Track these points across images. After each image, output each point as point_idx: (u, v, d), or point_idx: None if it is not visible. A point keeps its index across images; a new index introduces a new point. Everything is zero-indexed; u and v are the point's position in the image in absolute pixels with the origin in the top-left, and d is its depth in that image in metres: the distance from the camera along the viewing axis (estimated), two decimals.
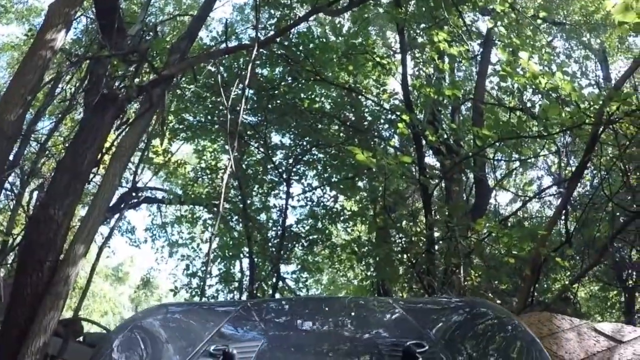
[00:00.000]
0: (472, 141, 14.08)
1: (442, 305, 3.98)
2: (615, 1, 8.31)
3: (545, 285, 15.28)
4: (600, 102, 11.11)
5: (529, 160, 16.37)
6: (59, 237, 9.44)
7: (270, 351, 3.02)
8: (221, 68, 15.98)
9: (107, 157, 11.51)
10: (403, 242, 13.63)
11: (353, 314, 4.06)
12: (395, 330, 3.54)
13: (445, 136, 14.90)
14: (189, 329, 3.38)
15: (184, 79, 16.14)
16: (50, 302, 8.81)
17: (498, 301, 11.94)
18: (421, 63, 16.63)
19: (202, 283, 17.64)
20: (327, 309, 4.22)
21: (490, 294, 12.52)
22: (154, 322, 3.36)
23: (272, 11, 16.24)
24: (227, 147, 17.23)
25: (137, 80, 12.45)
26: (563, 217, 13.27)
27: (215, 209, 17.60)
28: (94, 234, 10.60)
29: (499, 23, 14.06)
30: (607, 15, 18.00)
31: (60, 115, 17.92)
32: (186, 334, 3.26)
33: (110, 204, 17.26)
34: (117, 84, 11.50)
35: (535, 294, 12.45)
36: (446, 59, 15.16)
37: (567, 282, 13.80)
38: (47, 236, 9.26)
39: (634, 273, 15.11)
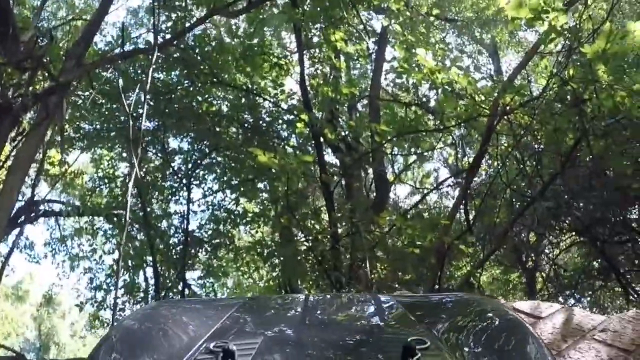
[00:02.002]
0: (370, 137, 14.26)
1: (442, 301, 3.98)
2: None
3: (450, 273, 15.57)
4: (495, 95, 11.42)
5: (426, 154, 16.64)
6: None
7: (270, 348, 2.96)
8: (117, 73, 15.73)
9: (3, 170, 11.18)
10: (308, 241, 13.64)
11: (353, 310, 4.00)
12: (395, 326, 3.50)
13: (344, 134, 15.03)
14: (189, 325, 3.29)
15: (79, 85, 15.78)
16: None
17: (405, 291, 12.10)
18: (318, 62, 16.71)
19: (113, 298, 17.35)
20: (327, 305, 4.18)
21: (397, 285, 12.67)
22: (153, 319, 3.30)
23: (169, 14, 16.07)
24: (124, 154, 17.02)
25: (32, 88, 12.08)
26: (463, 207, 13.58)
27: (115, 218, 17.37)
28: None
29: (393, 21, 14.27)
30: (498, 11, 18.50)
31: None
32: (185, 331, 3.19)
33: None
34: (11, 93, 11.16)
35: (442, 281, 12.68)
36: (342, 58, 15.29)
37: (470, 268, 14.09)
38: None
39: (533, 255, 15.57)
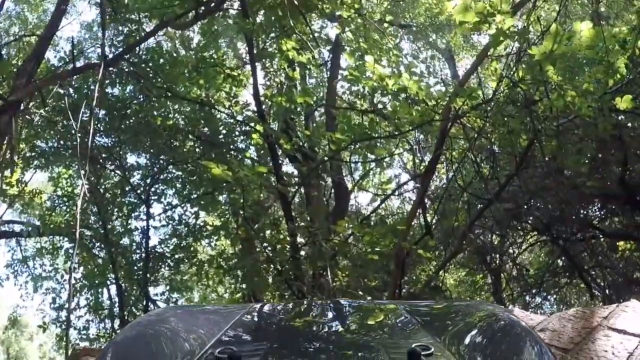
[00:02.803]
0: (327, 146, 14.26)
1: (447, 308, 4.01)
2: (455, 2, 8.61)
3: (414, 277, 15.64)
4: (447, 99, 11.48)
5: (384, 160, 16.67)
6: None
7: (275, 354, 3.00)
8: (71, 90, 15.60)
9: None
10: (268, 252, 13.60)
11: (358, 317, 4.02)
12: (400, 333, 3.49)
13: (300, 143, 15.00)
14: (194, 331, 3.29)
15: (32, 103, 15.61)
16: None
17: (368, 297, 12.10)
18: (272, 72, 16.69)
19: (66, 314, 17.13)
20: (332, 312, 4.19)
21: (360, 292, 12.66)
22: (158, 324, 3.32)
23: (120, 28, 15.95)
24: (82, 172, 16.89)
25: None
26: (421, 211, 13.64)
27: (74, 237, 17.21)
28: None
29: (346, 29, 14.30)
30: (450, 16, 18.61)
31: None
32: (191, 337, 3.19)
33: None
34: None
35: (402, 286, 12.71)
36: (297, 67, 15.29)
37: (431, 272, 14.17)
38: None
39: (497, 256, 15.67)
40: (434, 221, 14.25)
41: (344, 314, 4.10)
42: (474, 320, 3.35)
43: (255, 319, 3.81)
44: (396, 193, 18.95)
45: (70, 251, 18.31)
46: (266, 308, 4.39)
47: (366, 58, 11.32)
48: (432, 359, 2.67)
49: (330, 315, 4.06)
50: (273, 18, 14.34)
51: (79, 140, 11.31)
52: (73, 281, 17.40)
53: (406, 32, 22.21)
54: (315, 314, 4.05)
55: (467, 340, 3.07)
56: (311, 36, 15.05)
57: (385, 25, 18.90)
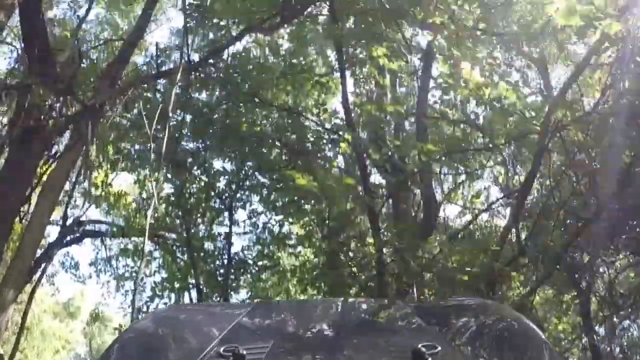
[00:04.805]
0: (417, 156, 13.84)
1: (454, 308, 4.06)
2: (557, 6, 8.09)
3: (500, 294, 15.12)
4: (546, 110, 10.94)
5: (476, 172, 16.15)
6: None
7: (279, 353, 3.01)
8: (157, 95, 15.55)
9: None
10: (353, 267, 13.28)
11: (363, 315, 4.08)
12: (406, 332, 3.52)
13: (390, 153, 14.59)
14: (199, 329, 3.39)
15: (118, 106, 15.65)
16: None
17: None
18: (361, 80, 16.33)
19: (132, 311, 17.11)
20: (337, 311, 4.25)
21: None
22: (164, 322, 3.45)
23: (207, 33, 15.83)
24: (169, 175, 16.81)
25: (65, 110, 11.86)
26: (514, 229, 13.10)
27: (156, 238, 17.19)
28: (25, 277, 10.09)
29: (438, 36, 13.86)
30: (546, 23, 17.94)
31: None
32: (196, 335, 3.27)
33: (52, 240, 16.87)
34: (44, 115, 10.95)
35: None
36: (387, 75, 14.90)
37: (521, 291, 13.64)
38: None
39: (587, 276, 15.00)
40: (525, 238, 13.64)
41: (350, 313, 4.21)
42: (480, 319, 3.42)
43: (260, 317, 3.81)
44: (488, 209, 18.29)
45: (149, 255, 18.38)
46: (271, 307, 4.69)
47: (462, 65, 10.84)
48: (437, 358, 2.67)
49: (335, 314, 4.12)
50: (363, 25, 13.97)
51: (151, 145, 11.09)
52: (153, 284, 17.44)
53: (499, 40, 21.60)
54: (320, 313, 4.09)
55: (473, 339, 3.16)
56: (403, 43, 14.60)
57: (478, 33, 18.35)
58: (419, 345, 2.66)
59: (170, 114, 12.98)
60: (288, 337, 3.43)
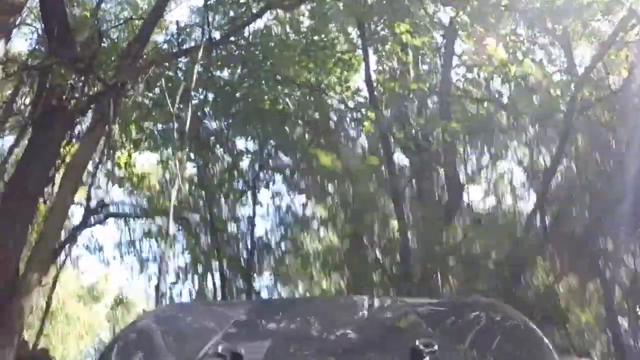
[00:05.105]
0: (440, 135, 13.72)
1: (451, 305, 4.06)
2: None
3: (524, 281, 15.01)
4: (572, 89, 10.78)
5: (500, 153, 15.99)
6: (10, 267, 8.87)
7: (278, 351, 3.02)
8: (179, 73, 15.50)
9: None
10: (377, 251, 13.24)
11: (361, 313, 4.02)
12: (403, 330, 3.50)
13: (413, 132, 14.48)
14: (198, 328, 3.42)
15: (140, 85, 15.61)
16: (3, 338, 8.29)
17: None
18: (384, 57, 16.18)
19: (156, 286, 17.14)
20: (335, 308, 4.26)
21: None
22: (162, 321, 3.42)
23: (226, 11, 15.73)
24: (192, 155, 16.78)
25: (87, 89, 11.82)
26: (539, 213, 12.94)
27: (180, 220, 17.16)
28: (50, 260, 10.10)
29: (461, 12, 13.71)
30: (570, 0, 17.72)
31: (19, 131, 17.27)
32: (194, 334, 3.31)
33: (76, 222, 16.93)
34: (65, 95, 10.91)
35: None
36: (409, 52, 14.76)
37: (545, 279, 13.53)
38: None
39: (611, 264, 14.79)
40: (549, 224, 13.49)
41: (348, 310, 4.14)
42: (478, 317, 3.39)
43: (258, 316, 3.82)
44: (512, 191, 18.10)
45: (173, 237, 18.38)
46: (269, 305, 4.84)
47: (487, 41, 10.69)
48: (435, 356, 2.67)
49: (333, 312, 4.06)
50: (384, 2, 13.83)
51: (174, 124, 11.09)
52: (176, 268, 17.46)
53: (522, 16, 21.33)
54: (318, 311, 4.04)
55: (471, 337, 3.09)
56: (427, 19, 14.44)
57: (501, 9, 18.13)
58: (417, 343, 2.69)
59: (192, 92, 12.90)
60: (286, 335, 3.46)
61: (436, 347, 2.68)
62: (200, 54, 11.87)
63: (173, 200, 10.41)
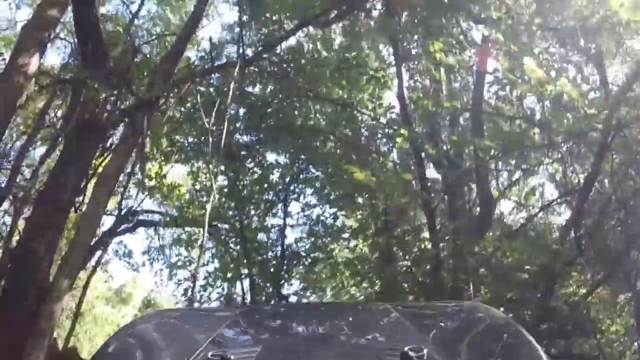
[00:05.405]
0: (473, 152, 13.70)
1: (440, 310, 4.14)
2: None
3: (555, 293, 14.95)
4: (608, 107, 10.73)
5: (532, 169, 15.94)
6: (42, 272, 8.99)
7: (267, 356, 3.04)
8: (211, 89, 15.62)
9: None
10: (408, 262, 13.22)
11: (350, 319, 4.07)
12: (392, 335, 3.56)
13: (446, 149, 14.48)
14: (187, 334, 3.44)
15: (172, 100, 15.80)
16: (34, 341, 8.38)
17: (510, 314, 11.54)
18: (417, 74, 16.20)
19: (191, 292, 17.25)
20: (324, 314, 4.30)
21: (501, 309, 12.11)
22: (151, 327, 3.49)
23: (261, 28, 15.85)
24: (222, 167, 16.91)
25: (119, 104, 11.99)
26: (574, 229, 12.90)
27: (210, 228, 17.29)
28: (80, 266, 10.22)
29: (494, 31, 13.70)
30: (604, 18, 17.64)
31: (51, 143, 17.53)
32: (184, 340, 3.32)
33: (106, 229, 17.14)
34: (98, 109, 11.09)
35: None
36: (442, 70, 14.77)
37: (577, 291, 13.46)
38: (29, 272, 8.81)
39: None
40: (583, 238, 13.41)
41: (338, 316, 4.16)
42: (467, 321, 3.54)
43: (249, 321, 3.87)
44: (545, 207, 18.01)
45: (209, 243, 18.51)
46: (260, 311, 4.79)
47: (525, 60, 10.68)
48: None
49: (323, 318, 4.11)
50: (416, 20, 13.86)
51: (210, 138, 11.24)
52: (206, 274, 17.57)
53: (554, 35, 21.26)
54: (308, 317, 4.11)
55: (459, 340, 3.21)
56: (462, 37, 14.45)
57: (534, 28, 18.08)
58: (406, 349, 2.73)
59: (227, 107, 13.03)
60: (276, 341, 3.51)
61: (425, 352, 2.75)
62: (237, 69, 11.97)
63: (208, 210, 10.49)
